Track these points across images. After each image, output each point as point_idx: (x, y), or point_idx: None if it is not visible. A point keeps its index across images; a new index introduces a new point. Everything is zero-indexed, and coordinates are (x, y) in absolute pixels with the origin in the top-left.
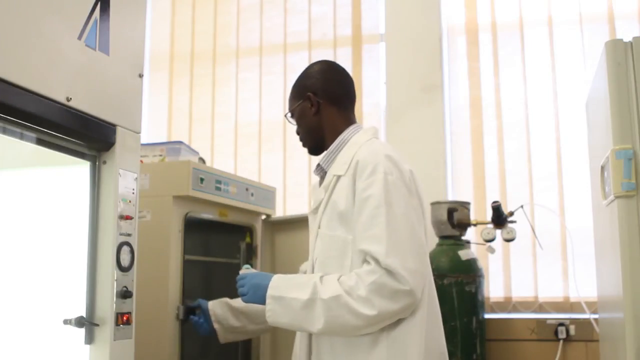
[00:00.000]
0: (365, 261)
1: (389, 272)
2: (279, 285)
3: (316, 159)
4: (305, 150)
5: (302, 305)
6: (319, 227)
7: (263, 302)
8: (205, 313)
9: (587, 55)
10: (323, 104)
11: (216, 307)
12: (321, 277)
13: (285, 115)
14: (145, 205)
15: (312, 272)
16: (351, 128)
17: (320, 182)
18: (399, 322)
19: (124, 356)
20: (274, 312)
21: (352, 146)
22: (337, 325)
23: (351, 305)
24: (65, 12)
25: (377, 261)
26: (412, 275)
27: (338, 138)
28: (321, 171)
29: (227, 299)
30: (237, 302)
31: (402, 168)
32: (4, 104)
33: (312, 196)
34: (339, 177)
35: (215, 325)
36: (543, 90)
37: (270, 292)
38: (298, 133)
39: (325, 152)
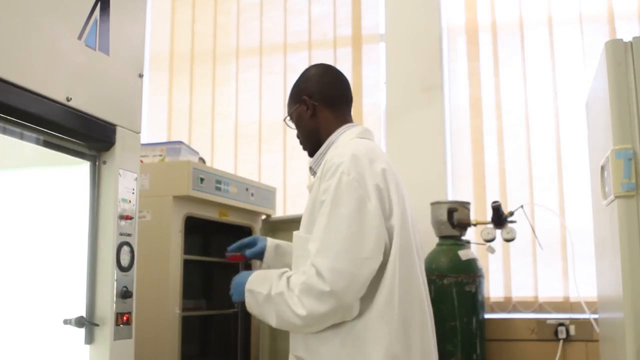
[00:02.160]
0: None
1: (317, 272)
2: (254, 279)
3: None
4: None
5: (263, 299)
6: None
7: (243, 298)
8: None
9: (587, 55)
10: (318, 106)
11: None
12: (281, 274)
13: (284, 120)
14: (145, 205)
15: None
16: (341, 129)
17: None
18: (359, 318)
19: (124, 356)
20: (249, 304)
21: (337, 147)
22: (283, 321)
23: (289, 303)
24: (65, 12)
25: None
26: (336, 277)
27: (327, 140)
28: (313, 173)
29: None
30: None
31: (365, 171)
32: (4, 104)
33: None
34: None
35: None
36: (543, 90)
37: (247, 285)
38: (298, 137)
39: (315, 154)
